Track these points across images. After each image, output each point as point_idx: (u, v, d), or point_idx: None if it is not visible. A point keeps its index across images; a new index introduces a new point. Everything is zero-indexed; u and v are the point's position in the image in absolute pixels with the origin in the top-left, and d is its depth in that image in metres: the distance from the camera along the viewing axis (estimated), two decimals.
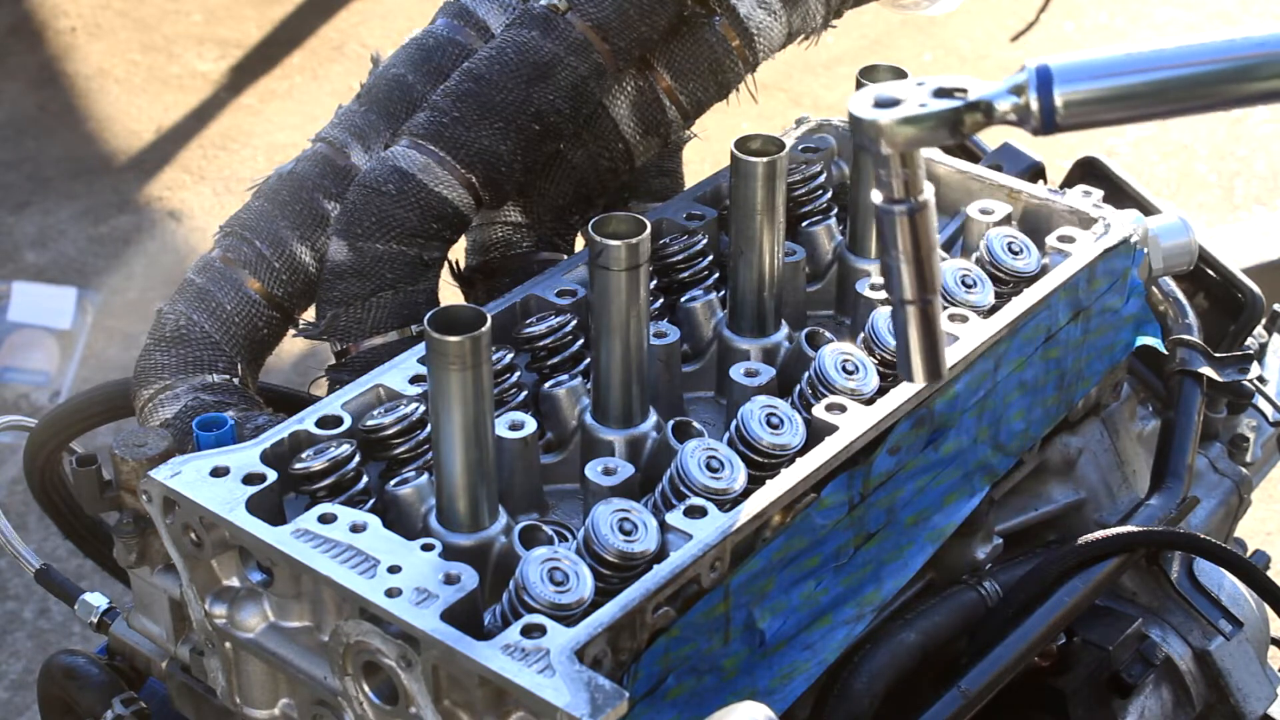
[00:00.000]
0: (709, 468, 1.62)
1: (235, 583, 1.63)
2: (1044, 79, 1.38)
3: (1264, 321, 2.38)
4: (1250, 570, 1.96)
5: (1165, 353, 2.13)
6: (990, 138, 2.48)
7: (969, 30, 5.56)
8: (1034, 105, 1.38)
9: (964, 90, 1.40)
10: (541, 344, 1.82)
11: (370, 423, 1.68)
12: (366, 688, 1.51)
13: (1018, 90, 1.39)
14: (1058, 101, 1.37)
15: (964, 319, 1.82)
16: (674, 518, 1.56)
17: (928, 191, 1.43)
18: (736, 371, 1.80)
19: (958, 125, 1.40)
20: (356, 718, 1.54)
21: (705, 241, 1.96)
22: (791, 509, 1.63)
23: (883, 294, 1.93)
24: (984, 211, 2.02)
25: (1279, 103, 1.44)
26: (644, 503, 1.62)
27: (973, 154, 2.45)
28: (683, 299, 1.91)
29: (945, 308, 1.84)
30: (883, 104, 1.41)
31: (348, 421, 1.68)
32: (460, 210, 1.89)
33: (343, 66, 5.49)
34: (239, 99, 5.37)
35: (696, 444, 1.63)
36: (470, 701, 1.45)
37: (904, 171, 1.43)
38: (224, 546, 1.60)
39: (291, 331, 1.95)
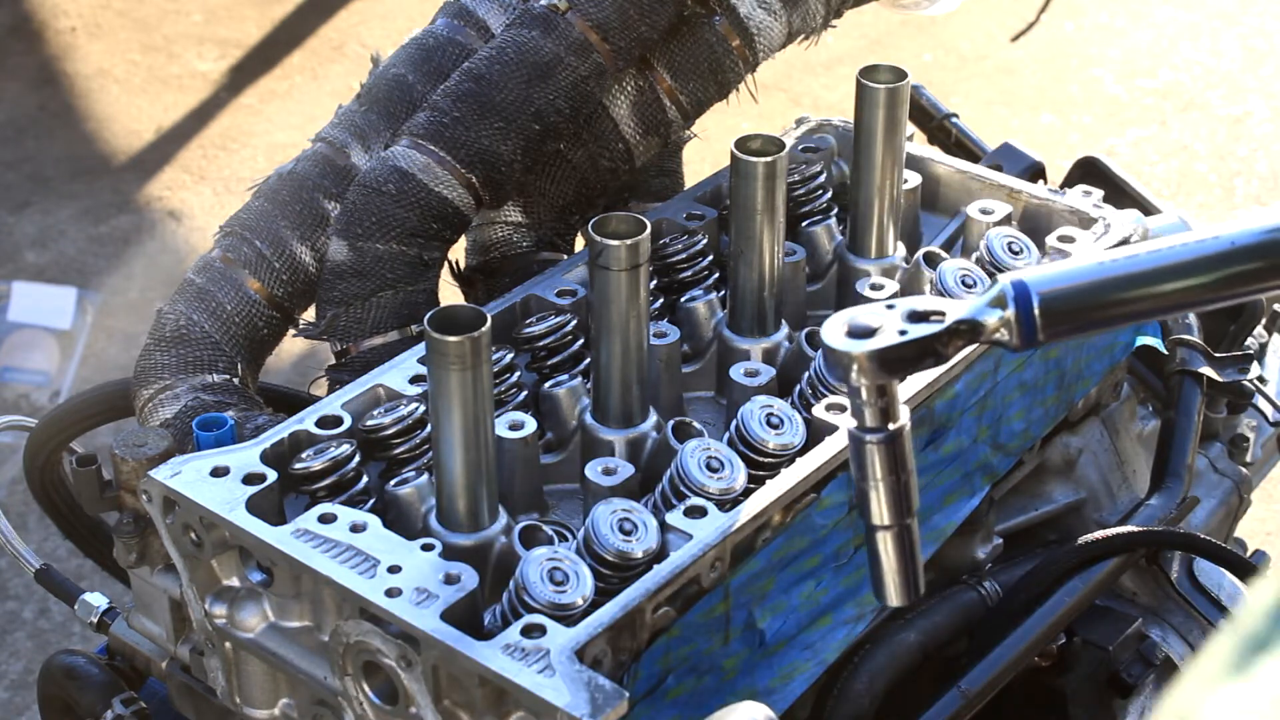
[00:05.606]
0: (709, 468, 1.62)
1: (235, 583, 1.63)
2: (1022, 293, 1.29)
3: (1264, 321, 2.38)
4: (1250, 570, 1.96)
5: (1165, 353, 2.13)
6: (990, 138, 2.48)
7: (969, 30, 5.56)
8: (1013, 319, 1.29)
9: (940, 313, 1.31)
10: (541, 344, 1.82)
11: (370, 423, 1.68)
12: (366, 688, 1.51)
13: (998, 304, 1.30)
14: (1037, 314, 1.28)
15: None
16: (674, 518, 1.56)
17: (904, 416, 1.32)
18: (736, 371, 1.80)
19: (941, 349, 1.31)
20: (356, 718, 1.54)
21: (705, 241, 1.95)
22: (791, 509, 1.63)
23: (883, 294, 1.93)
24: (984, 211, 2.02)
25: (1263, 294, 1.34)
26: (644, 503, 1.62)
27: (973, 154, 2.45)
28: (683, 299, 1.91)
29: None
30: (857, 333, 1.31)
31: (348, 421, 1.68)
32: (460, 210, 1.89)
33: (343, 66, 5.49)
34: (239, 99, 5.36)
35: (696, 444, 1.63)
36: (470, 701, 1.45)
37: (881, 401, 1.32)
38: (224, 546, 1.60)
39: (291, 331, 1.95)
